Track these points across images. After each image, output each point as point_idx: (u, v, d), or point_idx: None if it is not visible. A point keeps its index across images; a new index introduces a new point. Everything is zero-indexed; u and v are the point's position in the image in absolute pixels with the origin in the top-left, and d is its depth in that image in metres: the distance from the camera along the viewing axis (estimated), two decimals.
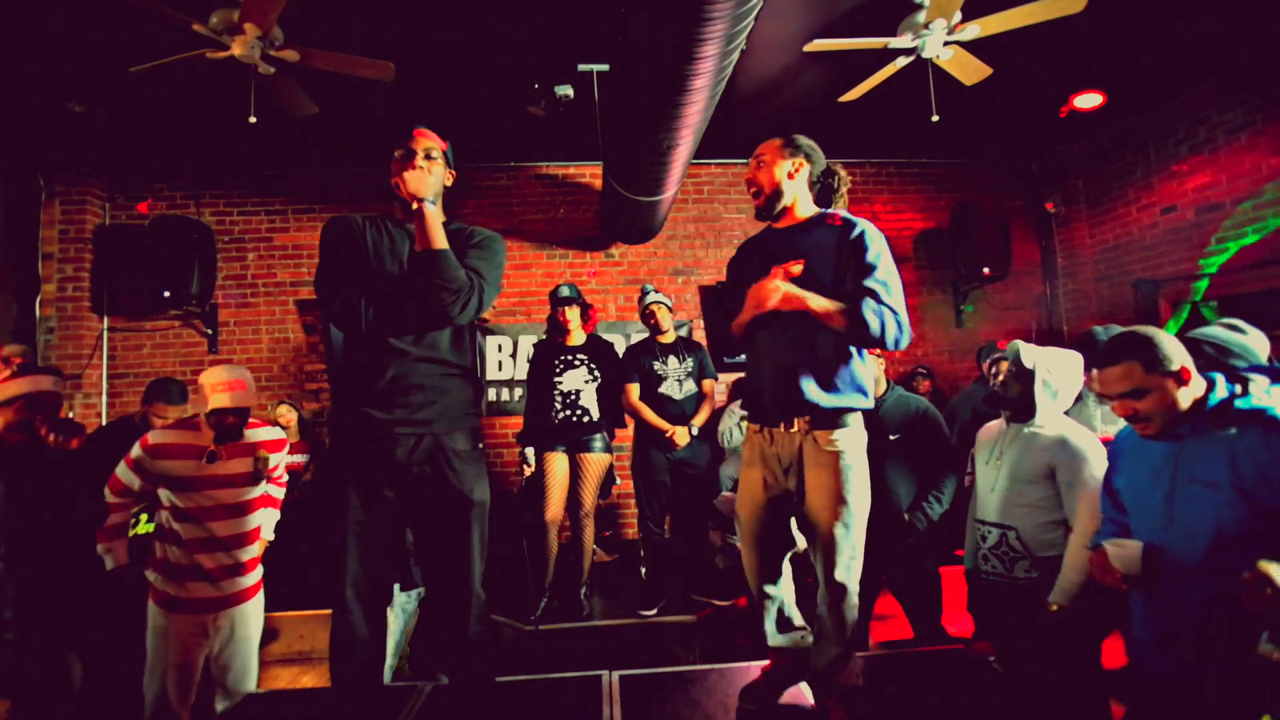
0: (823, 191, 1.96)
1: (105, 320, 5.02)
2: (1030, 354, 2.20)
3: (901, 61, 3.35)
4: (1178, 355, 1.54)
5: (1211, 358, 1.78)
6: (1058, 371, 2.20)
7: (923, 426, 2.92)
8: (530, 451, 3.26)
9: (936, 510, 2.87)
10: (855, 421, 1.79)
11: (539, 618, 3.16)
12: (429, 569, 1.77)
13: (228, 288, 5.10)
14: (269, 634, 3.08)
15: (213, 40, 2.96)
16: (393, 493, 1.70)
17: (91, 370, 4.92)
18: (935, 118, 3.71)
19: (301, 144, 4.71)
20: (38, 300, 4.86)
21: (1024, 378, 2.20)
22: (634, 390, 3.42)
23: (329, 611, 1.72)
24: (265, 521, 2.53)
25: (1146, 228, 4.72)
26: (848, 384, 1.78)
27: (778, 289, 1.74)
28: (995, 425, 2.41)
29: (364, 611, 1.71)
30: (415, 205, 1.72)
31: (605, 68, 3.62)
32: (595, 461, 3.24)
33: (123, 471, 2.29)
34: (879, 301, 1.72)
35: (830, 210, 1.91)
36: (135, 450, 2.28)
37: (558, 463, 3.20)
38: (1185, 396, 1.52)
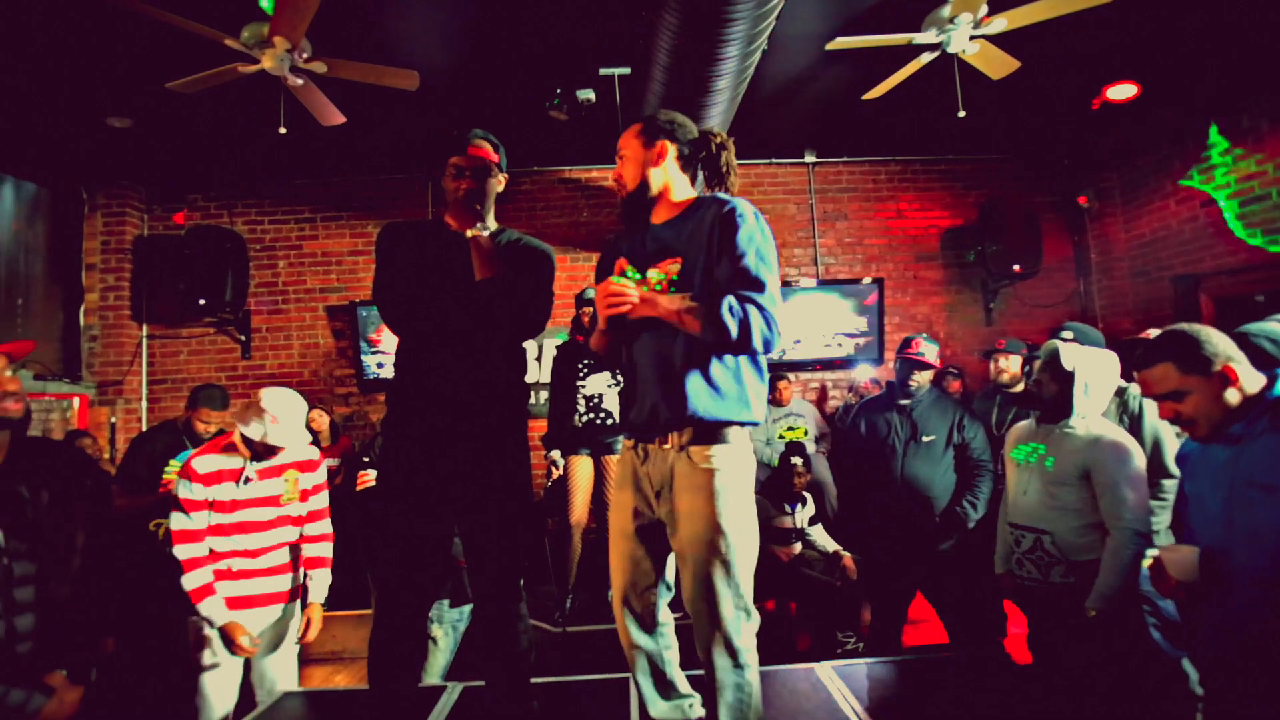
0: (705, 164, 1.67)
1: (144, 328, 5.17)
2: (1070, 355, 2.15)
3: (926, 57, 3.30)
4: (1220, 355, 1.47)
5: (1269, 354, 1.70)
6: (1098, 373, 2.15)
7: (959, 428, 2.88)
8: (557, 454, 3.27)
9: (973, 515, 2.82)
10: (737, 438, 1.53)
11: (565, 619, 3.17)
12: (476, 573, 1.77)
13: (260, 295, 5.22)
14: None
15: (244, 54, 3.04)
16: (439, 497, 1.72)
17: (132, 376, 5.07)
18: (962, 113, 3.64)
19: (330, 152, 4.81)
20: (81, 309, 5.04)
21: (1062, 378, 2.15)
22: None
23: (362, 612, 1.74)
24: (316, 583, 2.42)
25: (1185, 221, 4.58)
26: (729, 393, 1.52)
27: (621, 295, 1.48)
28: (1025, 426, 2.36)
29: (405, 613, 1.73)
30: (469, 234, 1.70)
31: (627, 71, 3.63)
32: None
33: (182, 521, 2.20)
34: (741, 299, 1.45)
35: (711, 193, 1.65)
36: (185, 490, 2.20)
37: (582, 466, 3.21)
38: (1233, 396, 1.46)
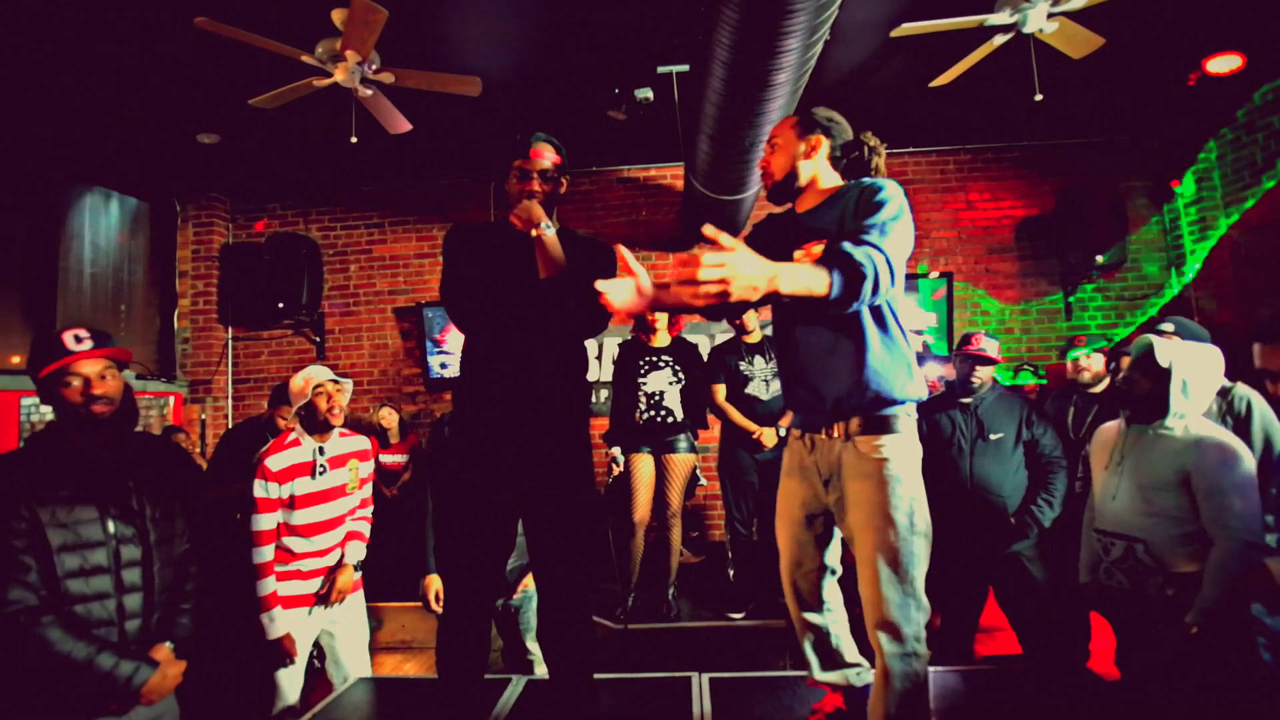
0: (853, 166, 1.70)
1: (230, 330, 5.51)
2: (1166, 350, 2.00)
3: (999, 39, 3.14)
4: None
5: None
6: (1198, 370, 1.98)
7: (1028, 424, 2.74)
8: (618, 451, 3.29)
9: (1048, 515, 2.68)
10: (903, 423, 1.54)
11: (626, 616, 3.19)
12: (540, 568, 1.80)
13: (333, 298, 5.47)
14: (373, 623, 3.26)
15: (318, 69, 3.19)
16: (505, 492, 1.75)
17: (219, 376, 5.41)
18: (1039, 96, 3.45)
19: (396, 158, 4.99)
20: (175, 314, 5.42)
21: (1156, 375, 2.00)
22: (720, 391, 3.39)
23: None
24: (352, 550, 2.53)
25: None
26: (886, 378, 1.51)
27: (712, 278, 1.17)
28: (1113, 427, 2.21)
29: (472, 605, 1.77)
30: (534, 233, 1.73)
31: (685, 68, 3.61)
32: (680, 462, 3.24)
33: (259, 522, 2.29)
34: (857, 241, 1.35)
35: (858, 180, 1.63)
36: (260, 489, 2.31)
37: (643, 464, 3.22)
38: None
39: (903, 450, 1.52)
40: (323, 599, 2.41)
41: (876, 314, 1.53)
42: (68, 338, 1.59)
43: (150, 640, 1.64)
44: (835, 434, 1.57)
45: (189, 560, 1.79)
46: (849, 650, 1.76)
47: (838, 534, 1.70)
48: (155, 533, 1.67)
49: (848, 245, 1.32)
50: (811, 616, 1.73)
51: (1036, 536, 2.71)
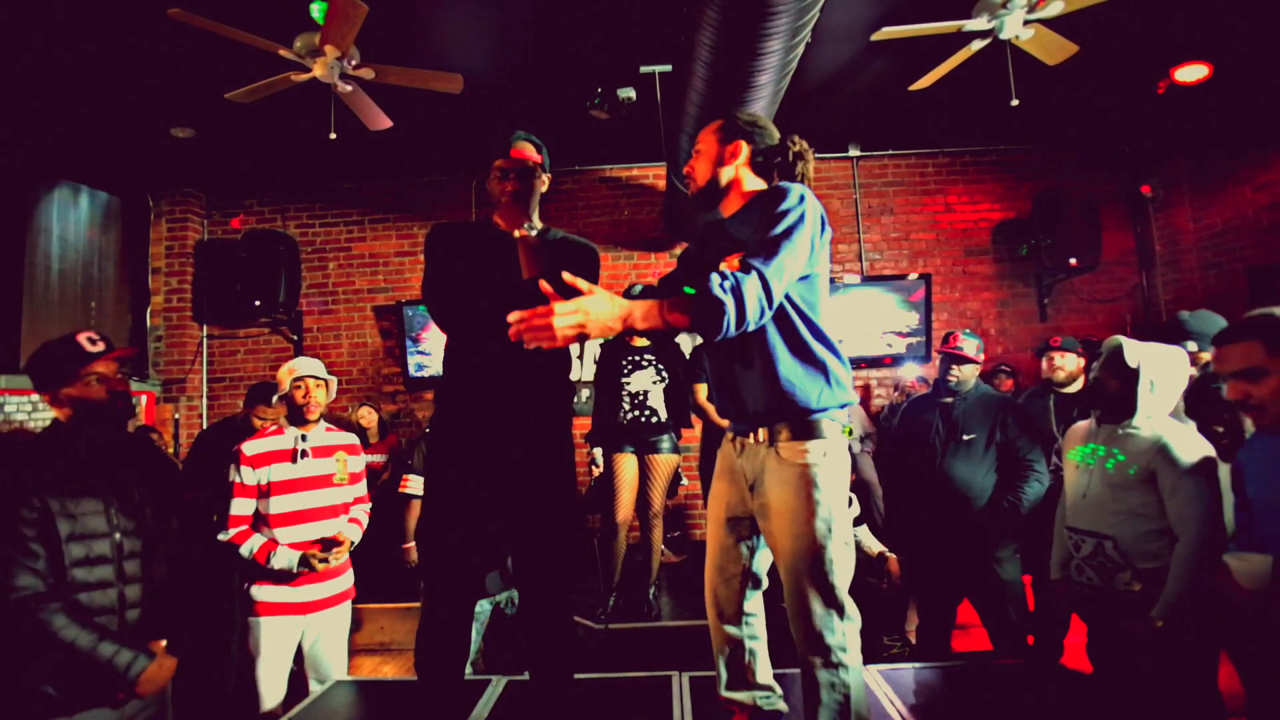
0: (780, 170, 1.65)
1: (204, 329, 5.41)
2: (1134, 351, 2.05)
3: (977, 45, 3.19)
4: None
5: None
6: (1164, 370, 2.04)
7: (1003, 427, 2.79)
8: (599, 452, 3.29)
9: (1037, 490, 2.68)
10: (827, 428, 1.50)
11: (608, 616, 3.19)
12: (522, 569, 1.80)
13: (311, 296, 5.40)
14: (352, 625, 3.24)
15: (296, 63, 3.15)
16: (486, 493, 1.74)
17: (193, 375, 5.31)
18: (1015, 102, 3.51)
19: (376, 155, 4.94)
20: (148, 311, 5.31)
21: (1125, 376, 2.05)
22: (702, 390, 3.40)
23: (408, 605, 1.78)
24: (349, 531, 2.53)
25: (1264, 209, 4.31)
26: (805, 382, 1.49)
27: (562, 323, 1.25)
28: (1084, 426, 2.26)
29: (452, 607, 1.77)
30: (517, 234, 1.72)
31: (668, 68, 3.62)
32: (664, 462, 3.24)
33: (233, 506, 2.35)
34: (742, 266, 1.35)
35: (778, 183, 1.59)
36: (234, 474, 2.36)
37: (626, 464, 3.22)
38: None
39: (824, 457, 1.48)
40: (308, 559, 2.36)
41: (782, 325, 1.50)
42: (83, 340, 1.69)
43: (148, 630, 1.69)
44: (760, 438, 1.55)
45: (183, 556, 1.84)
46: (762, 671, 1.71)
47: (764, 544, 1.66)
48: (154, 526, 1.74)
49: (713, 279, 1.32)
50: (729, 629, 1.67)
51: (1008, 538, 2.74)
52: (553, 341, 1.24)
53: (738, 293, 1.31)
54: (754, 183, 1.66)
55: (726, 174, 1.64)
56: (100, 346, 1.70)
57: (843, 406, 1.54)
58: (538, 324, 1.24)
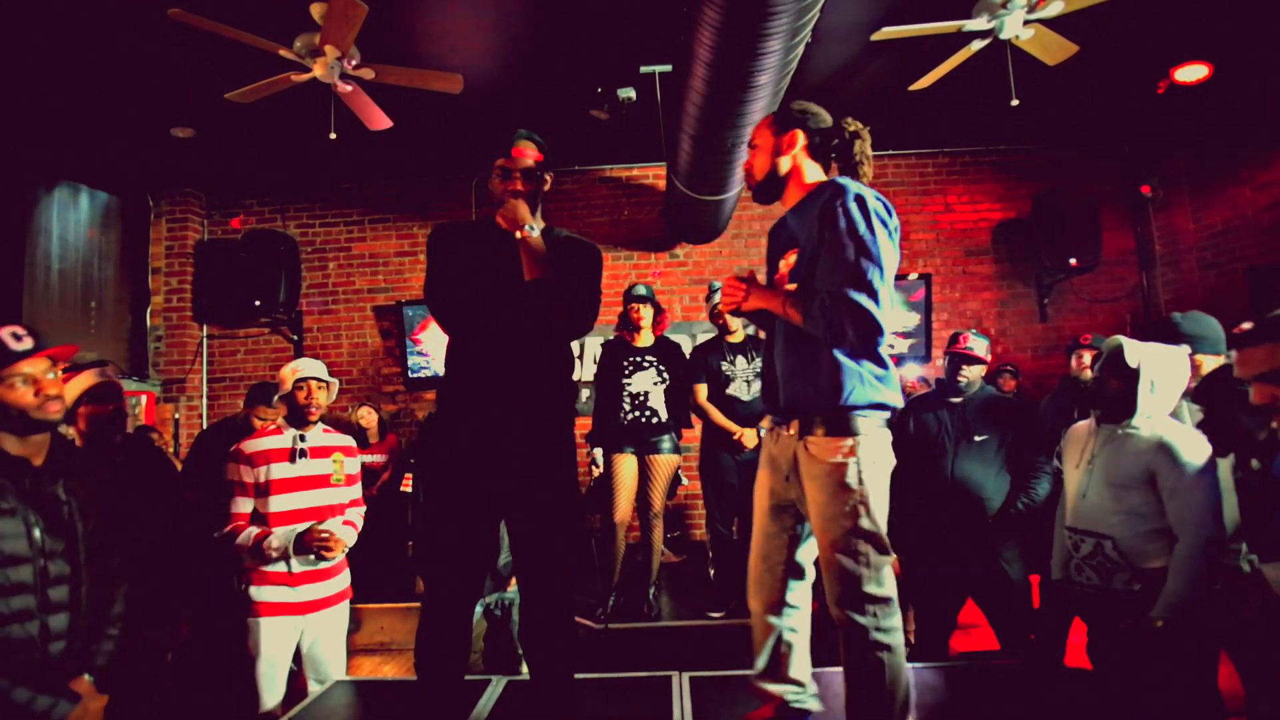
0: (840, 155, 1.67)
1: (204, 329, 5.42)
2: (1135, 351, 2.04)
3: (977, 45, 3.19)
4: None
5: None
6: (1165, 370, 2.03)
7: (1014, 417, 2.78)
8: (599, 453, 3.29)
9: (1045, 488, 2.70)
10: (865, 429, 1.51)
11: (608, 616, 3.19)
12: (522, 568, 1.80)
13: (311, 296, 5.40)
14: (352, 625, 3.24)
15: (297, 63, 3.15)
16: (487, 492, 1.74)
17: (193, 375, 5.32)
18: (1015, 102, 3.51)
19: (376, 155, 4.94)
20: (148, 311, 5.31)
21: (1125, 375, 2.05)
22: (702, 391, 3.40)
23: (409, 605, 1.77)
24: (342, 531, 2.52)
25: (1264, 209, 4.31)
26: (842, 383, 1.50)
27: (736, 292, 1.60)
28: (1084, 426, 2.26)
29: (452, 606, 1.76)
30: (519, 234, 1.72)
31: (668, 68, 3.62)
32: (664, 463, 3.24)
33: (237, 504, 2.33)
34: (835, 298, 1.45)
35: (833, 179, 1.63)
36: (233, 473, 2.34)
37: (626, 464, 3.22)
38: None
39: (855, 455, 1.49)
40: (307, 546, 2.34)
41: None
42: (6, 336, 1.47)
43: (75, 665, 1.52)
44: (790, 431, 1.59)
45: (119, 578, 1.66)
46: (798, 665, 1.70)
47: (809, 533, 1.68)
48: (86, 548, 1.54)
49: (823, 302, 1.47)
50: (770, 618, 1.68)
51: (1011, 534, 2.75)
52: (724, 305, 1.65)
53: (833, 325, 1.47)
54: (813, 172, 1.68)
55: (785, 164, 1.67)
56: (27, 343, 1.48)
57: (879, 406, 1.54)
58: (731, 283, 1.62)
